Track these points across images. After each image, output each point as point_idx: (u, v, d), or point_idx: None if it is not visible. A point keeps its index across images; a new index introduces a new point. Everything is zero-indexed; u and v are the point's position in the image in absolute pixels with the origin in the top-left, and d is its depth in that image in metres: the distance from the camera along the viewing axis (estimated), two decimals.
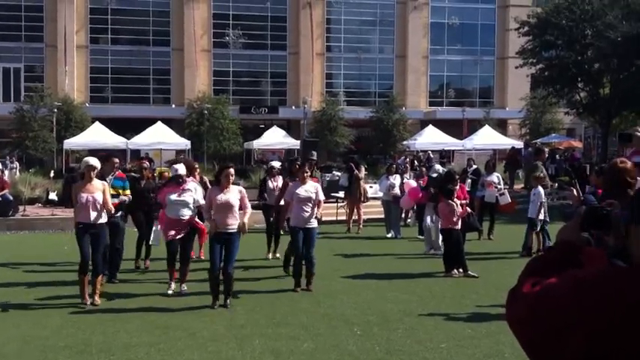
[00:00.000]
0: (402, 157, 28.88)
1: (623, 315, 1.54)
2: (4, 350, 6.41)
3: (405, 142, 38.00)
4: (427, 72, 48.74)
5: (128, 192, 9.83)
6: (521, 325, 1.69)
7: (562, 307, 1.60)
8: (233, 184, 8.62)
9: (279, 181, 11.93)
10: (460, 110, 40.67)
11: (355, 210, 15.90)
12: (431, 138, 35.56)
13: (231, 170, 8.38)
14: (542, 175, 12.67)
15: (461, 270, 10.10)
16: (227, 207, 8.16)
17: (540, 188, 11.86)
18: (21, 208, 17.88)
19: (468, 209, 10.87)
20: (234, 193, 8.29)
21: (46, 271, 10.76)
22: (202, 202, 8.88)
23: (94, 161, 8.49)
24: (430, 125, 37.92)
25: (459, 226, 10.35)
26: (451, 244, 10.23)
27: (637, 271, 1.65)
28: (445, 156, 35.13)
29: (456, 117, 41.07)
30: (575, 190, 12.00)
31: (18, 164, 31.30)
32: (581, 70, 28.08)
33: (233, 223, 8.20)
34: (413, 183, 14.42)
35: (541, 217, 11.60)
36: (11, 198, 17.57)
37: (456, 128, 38.68)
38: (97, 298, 8.38)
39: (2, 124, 37.88)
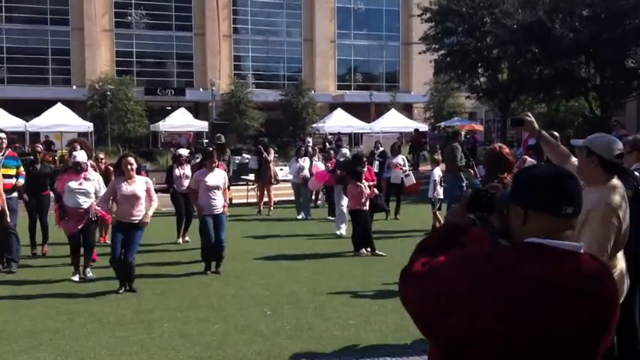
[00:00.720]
0: (308, 139, 29.07)
1: (497, 290, 1.65)
2: None
3: (314, 125, 38.30)
4: (335, 56, 49.19)
5: (22, 170, 9.44)
6: (409, 303, 1.79)
7: (445, 285, 1.70)
8: (139, 166, 8.44)
9: (186, 169, 11.83)
10: (367, 94, 41.35)
11: (266, 192, 15.93)
12: (340, 121, 36.03)
13: (130, 159, 8.16)
14: (438, 157, 13.15)
15: (369, 249, 10.35)
16: (132, 198, 7.99)
17: (437, 169, 12.31)
18: None
19: (376, 191, 11.12)
20: (140, 184, 8.12)
21: None
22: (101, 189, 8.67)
23: None
24: (339, 108, 38.41)
25: (367, 207, 10.59)
26: (359, 225, 10.45)
27: (513, 250, 1.78)
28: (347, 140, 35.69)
29: (363, 101, 41.75)
30: (473, 172, 12.58)
31: None
32: (480, 56, 29.12)
33: (137, 214, 8.05)
34: (321, 166, 14.57)
35: (440, 196, 12.02)
36: None
37: (364, 112, 39.37)
38: None
39: None
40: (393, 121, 36.07)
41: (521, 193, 1.77)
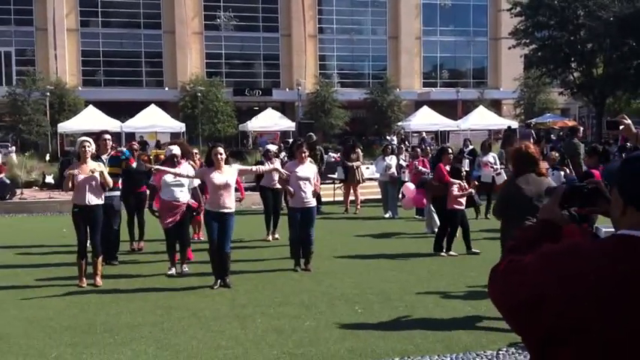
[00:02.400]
0: (392, 137, 28.76)
1: (585, 286, 1.57)
2: (8, 330, 6.45)
3: (399, 124, 38.03)
4: (420, 53, 48.66)
5: (132, 160, 9.90)
6: (496, 301, 1.75)
7: (531, 281, 1.64)
8: (228, 157, 8.59)
9: (275, 164, 11.96)
10: (454, 91, 40.69)
11: (352, 191, 15.96)
12: (425, 119, 35.59)
13: (219, 149, 8.32)
14: (553, 156, 12.74)
15: (447, 252, 10.21)
16: (222, 187, 8.16)
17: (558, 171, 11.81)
18: (18, 191, 17.87)
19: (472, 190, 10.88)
20: (229, 173, 8.29)
21: (46, 253, 10.78)
22: (197, 183, 8.91)
23: (87, 138, 8.51)
24: (425, 106, 37.94)
25: (463, 206, 10.42)
26: (455, 225, 10.30)
27: (605, 243, 1.69)
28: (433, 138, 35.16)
29: (450, 98, 41.11)
30: (568, 170, 12.12)
31: (14, 148, 31.23)
32: (574, 51, 28.09)
33: (228, 203, 8.22)
34: (411, 186, 13.72)
35: None
36: (8, 181, 17.58)
37: (451, 109, 38.77)
38: (98, 279, 8.42)
39: None
40: (482, 119, 35.30)
41: (623, 184, 1.70)
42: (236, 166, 8.75)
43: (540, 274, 1.63)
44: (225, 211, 8.19)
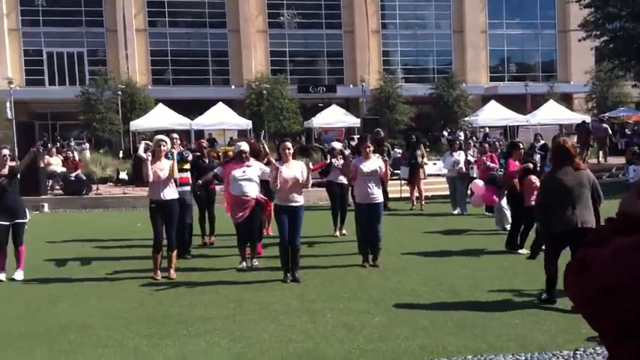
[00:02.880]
0: (459, 133, 28.23)
1: None
2: (89, 322, 6.70)
3: (466, 119, 37.43)
4: (486, 47, 47.76)
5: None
6: (572, 295, 1.72)
7: (602, 275, 1.60)
8: (295, 152, 8.63)
9: (340, 160, 12.01)
10: (522, 85, 39.77)
11: (416, 187, 15.82)
12: (493, 114, 34.90)
13: (287, 144, 8.41)
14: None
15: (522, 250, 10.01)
16: (291, 181, 8.23)
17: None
18: (94, 187, 18.54)
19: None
20: (297, 168, 8.36)
21: (122, 246, 11.16)
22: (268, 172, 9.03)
23: (163, 137, 8.75)
24: (492, 101, 37.22)
25: None
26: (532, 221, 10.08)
27: None
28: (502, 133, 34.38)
29: (518, 92, 40.19)
30: None
31: (88, 145, 32.35)
32: None
33: (297, 197, 8.29)
34: (480, 183, 13.32)
35: None
36: (84, 177, 18.26)
37: (519, 103, 37.87)
38: (172, 272, 8.65)
39: (69, 107, 39.11)
40: (552, 113, 34.34)
41: None
42: (302, 164, 8.70)
43: (611, 268, 1.60)
44: (295, 204, 8.26)
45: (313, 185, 12.01)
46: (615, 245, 1.67)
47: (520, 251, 10.01)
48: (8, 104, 36.26)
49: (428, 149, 27.73)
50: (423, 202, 15.70)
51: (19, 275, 8.67)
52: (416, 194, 15.89)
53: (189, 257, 10.01)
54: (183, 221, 9.65)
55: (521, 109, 36.55)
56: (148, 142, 8.52)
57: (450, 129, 36.02)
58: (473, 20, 46.86)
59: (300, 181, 8.27)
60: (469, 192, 13.91)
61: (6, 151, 8.80)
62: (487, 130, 33.13)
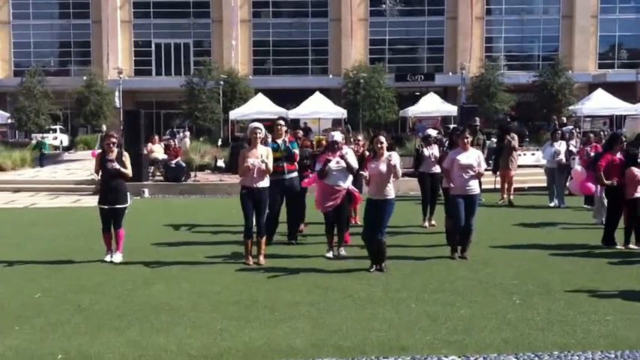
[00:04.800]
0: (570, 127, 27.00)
1: None
2: (179, 303, 6.99)
3: (571, 107, 35.88)
4: (597, 32, 45.58)
5: (296, 150, 10.22)
6: None
7: None
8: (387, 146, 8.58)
9: (434, 149, 11.84)
10: (634, 72, 37.66)
11: (506, 178, 15.25)
12: (600, 103, 33.20)
13: (381, 138, 8.35)
14: None
15: (631, 245, 9.52)
16: (379, 174, 8.22)
17: None
18: (192, 174, 19.24)
19: None
20: (384, 161, 8.31)
21: (216, 232, 11.53)
22: (355, 165, 9.02)
23: (258, 125, 8.91)
24: (599, 89, 35.46)
25: None
26: (638, 215, 9.62)
27: None
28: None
29: (628, 80, 38.12)
30: None
31: (189, 133, 33.55)
32: None
33: (387, 191, 8.25)
34: (580, 170, 12.84)
35: None
36: (184, 165, 18.98)
37: (629, 92, 35.92)
38: (261, 258, 8.86)
39: (173, 96, 40.69)
40: None
41: None
42: (393, 156, 8.61)
43: None
44: (383, 198, 8.23)
45: (404, 175, 11.97)
46: None
47: (617, 246, 9.55)
48: (117, 93, 38.21)
49: (527, 139, 26.84)
50: (511, 195, 15.08)
51: (117, 258, 9.15)
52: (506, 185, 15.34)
53: (294, 243, 10.35)
54: (292, 206, 10.30)
55: (631, 98, 34.63)
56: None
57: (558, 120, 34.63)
58: (583, 4, 44.86)
59: (387, 175, 8.23)
60: (569, 179, 13.38)
61: (113, 139, 9.28)
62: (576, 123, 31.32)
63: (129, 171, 9.17)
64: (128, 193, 9.44)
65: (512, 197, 14.97)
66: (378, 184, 8.23)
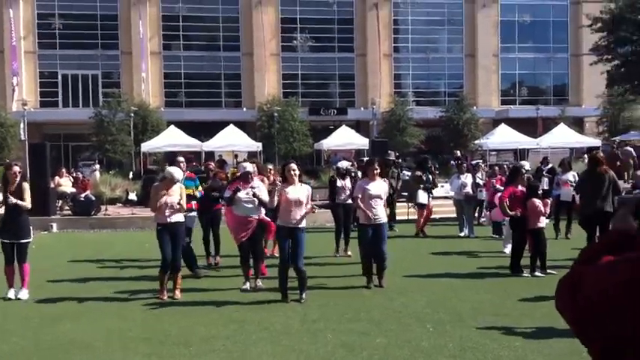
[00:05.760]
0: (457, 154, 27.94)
1: None
2: (91, 341, 6.72)
3: (476, 142, 37.37)
4: (498, 70, 47.92)
5: (200, 189, 10.22)
6: (564, 311, 1.72)
7: (596, 287, 1.60)
8: (304, 183, 8.72)
9: (346, 181, 12.08)
10: (534, 109, 39.76)
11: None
12: (504, 137, 34.81)
13: (293, 165, 8.49)
14: None
15: (532, 272, 9.96)
16: (294, 203, 8.28)
17: None
18: (103, 207, 18.65)
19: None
20: (302, 190, 8.41)
21: (128, 266, 11.19)
22: (265, 198, 9.03)
23: (177, 175, 8.81)
24: (502, 124, 37.18)
25: (544, 225, 10.24)
26: (541, 244, 10.08)
27: None
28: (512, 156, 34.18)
29: (529, 115, 40.17)
30: None
31: (99, 166, 32.60)
32: None
33: (299, 219, 8.32)
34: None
35: None
36: (93, 198, 18.38)
37: (530, 127, 37.82)
38: (177, 292, 8.68)
39: (83, 128, 39.49)
40: (562, 137, 34.24)
41: None
42: (308, 187, 8.80)
43: (607, 281, 1.60)
44: (297, 226, 8.30)
45: (320, 207, 12.08)
46: (610, 260, 1.68)
47: (524, 274, 9.96)
48: (22, 125, 36.68)
49: (438, 172, 27.70)
50: (425, 226, 15.36)
51: (23, 294, 8.73)
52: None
53: (202, 275, 10.14)
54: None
55: (532, 133, 36.49)
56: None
57: (461, 151, 35.90)
58: (485, 44, 47.07)
59: (304, 204, 8.32)
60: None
61: (16, 168, 8.91)
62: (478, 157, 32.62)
63: (27, 203, 8.80)
64: (31, 227, 9.05)
65: (425, 228, 15.28)
66: (292, 211, 8.28)
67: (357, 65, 46.97)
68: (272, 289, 8.90)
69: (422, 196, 15.02)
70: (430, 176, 15.32)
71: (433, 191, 15.52)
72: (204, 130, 35.72)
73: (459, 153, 28.10)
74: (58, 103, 44.55)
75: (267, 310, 7.99)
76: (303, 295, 8.34)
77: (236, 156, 30.30)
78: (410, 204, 16.93)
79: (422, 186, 15.02)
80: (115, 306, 8.32)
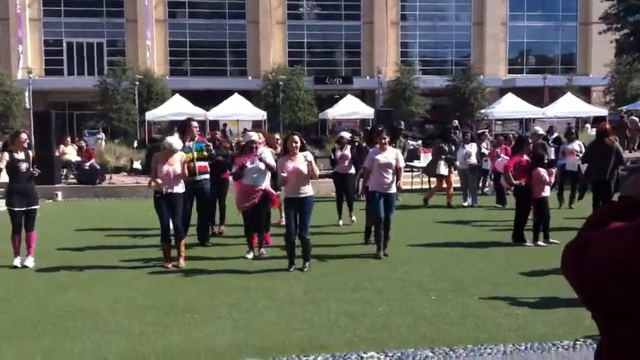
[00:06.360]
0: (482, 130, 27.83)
1: None
2: (96, 308, 6.81)
3: (482, 111, 37.18)
4: (506, 39, 47.42)
5: (211, 148, 10.20)
6: (570, 275, 1.73)
7: (603, 252, 1.62)
8: (303, 145, 8.69)
9: (346, 151, 12.13)
10: (541, 78, 39.43)
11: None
12: (510, 106, 34.65)
13: (295, 137, 8.49)
14: None
15: (536, 241, 9.99)
16: (296, 173, 8.31)
17: None
18: (107, 176, 18.72)
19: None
20: (301, 160, 8.43)
21: (133, 235, 11.27)
22: (272, 162, 9.05)
23: (176, 145, 8.81)
24: (509, 93, 36.95)
25: (548, 194, 10.25)
26: (544, 214, 10.09)
27: None
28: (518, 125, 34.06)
29: (536, 85, 39.86)
30: None
31: (104, 135, 32.63)
32: None
33: (303, 189, 8.36)
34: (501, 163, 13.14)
35: None
36: (98, 167, 18.45)
37: (537, 96, 37.56)
38: (181, 261, 8.75)
39: (87, 96, 39.43)
40: (569, 106, 34.06)
41: None
42: (306, 154, 8.74)
43: (612, 247, 1.61)
44: (302, 195, 8.33)
45: (324, 177, 12.11)
46: (618, 226, 1.69)
47: (527, 243, 10.00)
48: (27, 94, 36.67)
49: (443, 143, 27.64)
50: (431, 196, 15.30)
51: (29, 262, 8.82)
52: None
53: (209, 244, 10.22)
54: (203, 209, 10.15)
55: (539, 102, 36.28)
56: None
57: (468, 121, 35.71)
58: (493, 12, 46.54)
59: (305, 173, 8.34)
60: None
61: (24, 136, 8.94)
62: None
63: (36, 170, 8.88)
64: (37, 195, 9.14)
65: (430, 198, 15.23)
66: (296, 182, 8.31)
67: (363, 33, 46.56)
68: (276, 258, 8.99)
69: (443, 168, 14.75)
70: (452, 147, 15.17)
71: (456, 163, 15.07)
72: (208, 99, 35.60)
73: (456, 123, 27.99)
74: (63, 72, 44.42)
75: (271, 278, 8.07)
76: (307, 265, 8.41)
77: (244, 129, 30.20)
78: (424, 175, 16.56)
79: (444, 157, 14.81)
80: (120, 274, 8.41)
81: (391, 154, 9.32)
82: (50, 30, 44.28)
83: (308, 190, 8.39)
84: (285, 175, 8.31)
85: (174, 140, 8.97)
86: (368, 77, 44.26)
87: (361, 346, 5.59)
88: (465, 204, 14.73)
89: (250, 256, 9.16)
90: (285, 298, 7.16)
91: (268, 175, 9.16)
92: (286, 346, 5.61)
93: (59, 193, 17.06)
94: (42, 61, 44.17)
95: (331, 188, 15.56)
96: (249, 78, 43.96)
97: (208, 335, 5.92)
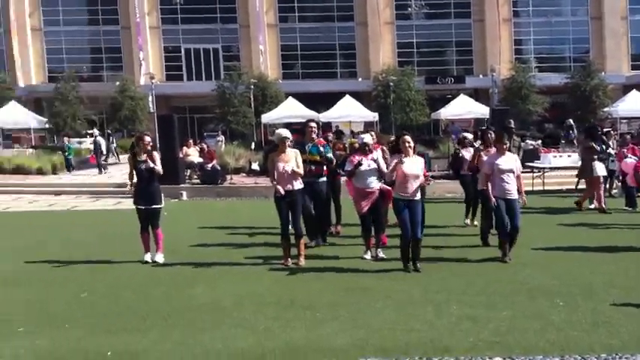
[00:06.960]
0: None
1: None
2: (222, 303, 7.05)
3: (605, 109, 35.37)
4: (627, 33, 44.92)
5: (330, 155, 10.18)
6: None
7: None
8: (418, 154, 8.61)
9: (470, 152, 11.80)
10: None
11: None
12: (635, 104, 32.74)
13: (407, 137, 8.38)
14: None
15: None
16: (411, 176, 8.24)
17: None
18: (228, 177, 19.44)
19: None
20: (418, 163, 8.36)
21: (255, 233, 11.62)
22: (384, 168, 9.02)
23: (285, 133, 8.97)
24: (634, 90, 34.94)
25: None
26: None
27: None
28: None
29: None
30: None
31: (223, 137, 33.81)
32: None
33: (416, 191, 8.29)
34: (629, 161, 12.33)
35: None
36: (219, 168, 19.20)
37: None
38: (301, 259, 8.90)
39: (206, 100, 41.06)
40: None
41: None
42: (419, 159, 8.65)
43: None
44: (415, 198, 8.27)
45: (439, 178, 11.94)
46: None
47: None
48: (150, 98, 38.66)
49: (562, 141, 26.61)
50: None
51: (159, 258, 9.28)
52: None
53: (324, 244, 10.32)
54: (319, 208, 10.14)
55: None
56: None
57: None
58: (612, 5, 44.29)
59: (419, 177, 8.26)
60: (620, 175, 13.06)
61: (148, 139, 9.42)
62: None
63: (160, 168, 9.28)
64: (162, 195, 9.57)
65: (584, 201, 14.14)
66: (410, 182, 8.24)
67: (474, 31, 45.60)
68: (393, 259, 8.95)
69: (600, 168, 13.77)
70: (603, 146, 14.30)
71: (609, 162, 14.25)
72: (320, 101, 36.12)
73: (571, 121, 26.74)
74: (183, 77, 46.46)
75: (389, 278, 8.04)
76: (418, 265, 8.33)
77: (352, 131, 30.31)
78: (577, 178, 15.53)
79: (596, 157, 13.80)
80: (244, 271, 8.66)
81: (511, 159, 9.03)
82: (169, 37, 46.46)
83: (418, 192, 8.35)
84: (392, 174, 8.25)
85: (283, 130, 9.15)
86: (481, 76, 43.29)
87: (486, 351, 5.44)
88: (592, 206, 14.05)
89: (368, 256, 9.18)
90: (404, 299, 7.10)
91: (380, 175, 9.15)
92: (408, 347, 5.56)
93: (184, 193, 17.89)
94: (162, 67, 46.38)
95: (446, 189, 15.37)
96: (360, 79, 44.14)
97: (329, 333, 5.97)
